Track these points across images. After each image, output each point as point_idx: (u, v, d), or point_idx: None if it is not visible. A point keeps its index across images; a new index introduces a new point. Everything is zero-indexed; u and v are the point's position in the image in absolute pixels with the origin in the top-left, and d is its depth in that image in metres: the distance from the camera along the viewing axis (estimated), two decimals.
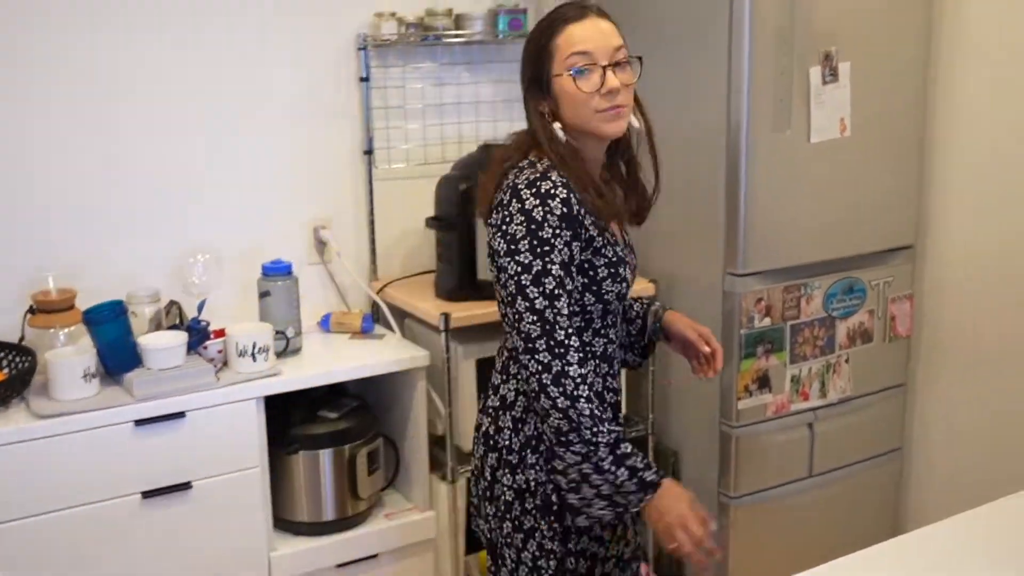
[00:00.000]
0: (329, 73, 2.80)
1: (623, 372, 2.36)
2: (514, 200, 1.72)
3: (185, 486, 2.29)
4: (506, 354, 1.89)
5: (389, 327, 2.78)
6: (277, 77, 2.73)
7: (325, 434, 2.52)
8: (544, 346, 1.68)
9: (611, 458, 1.68)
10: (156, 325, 2.44)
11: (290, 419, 2.51)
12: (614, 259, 1.79)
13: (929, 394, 2.99)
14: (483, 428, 1.91)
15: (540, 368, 1.69)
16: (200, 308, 2.44)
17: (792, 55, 2.47)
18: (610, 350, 1.88)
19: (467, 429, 2.61)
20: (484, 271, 2.63)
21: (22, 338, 2.39)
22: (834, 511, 2.86)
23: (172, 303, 2.51)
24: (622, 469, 1.68)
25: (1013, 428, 2.77)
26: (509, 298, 1.72)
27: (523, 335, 1.70)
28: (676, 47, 2.61)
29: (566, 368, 1.68)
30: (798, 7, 2.46)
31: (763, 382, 2.63)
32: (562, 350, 1.68)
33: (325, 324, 2.77)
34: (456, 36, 2.82)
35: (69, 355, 2.24)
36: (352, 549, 2.56)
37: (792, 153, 2.53)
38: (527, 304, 1.69)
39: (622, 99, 1.76)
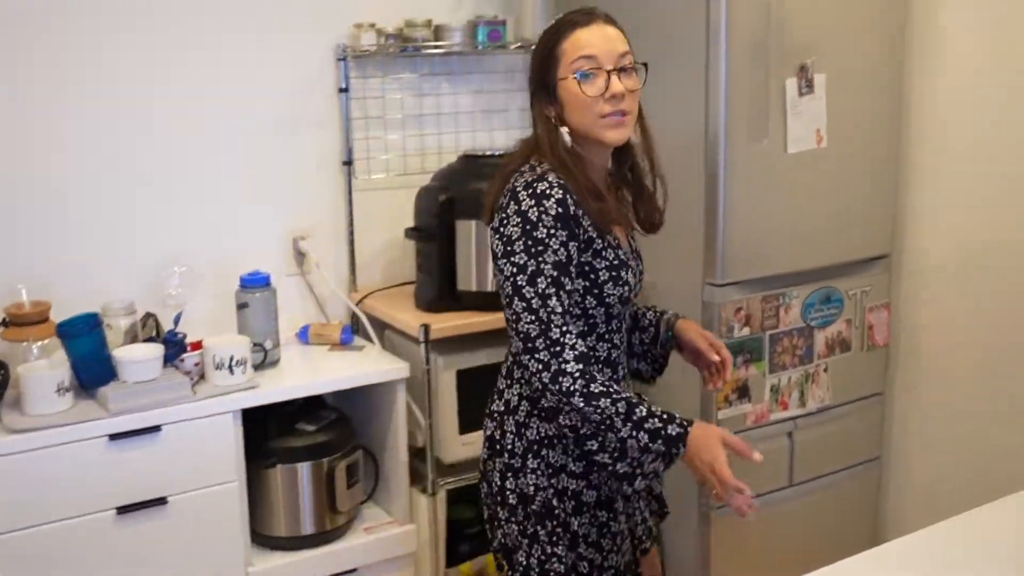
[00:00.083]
0: (308, 84, 2.79)
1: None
2: (512, 203, 1.75)
3: (161, 501, 2.27)
4: (511, 358, 1.90)
5: (369, 338, 2.76)
6: (256, 88, 2.72)
7: (303, 447, 2.50)
8: (542, 345, 1.70)
9: (629, 426, 1.69)
10: (132, 338, 2.42)
11: (268, 432, 2.49)
12: (615, 262, 1.81)
13: (907, 403, 3.00)
14: (488, 432, 1.93)
15: (540, 367, 1.71)
16: (176, 320, 2.42)
17: (768, 67, 2.48)
18: (614, 355, 1.89)
19: (448, 441, 2.60)
20: (464, 282, 2.63)
21: None
22: (814, 520, 2.87)
23: (148, 315, 2.49)
24: (642, 433, 1.69)
25: (990, 436, 2.79)
26: (507, 299, 1.75)
27: (522, 335, 1.72)
28: (654, 59, 2.60)
29: (563, 366, 1.69)
30: (774, 20, 2.47)
31: (743, 392, 2.63)
32: (558, 348, 1.70)
33: (304, 336, 2.75)
34: (435, 47, 2.81)
35: (42, 369, 2.22)
36: (331, 564, 2.54)
37: (769, 164, 2.54)
38: (524, 304, 1.71)
39: (626, 105, 1.78)
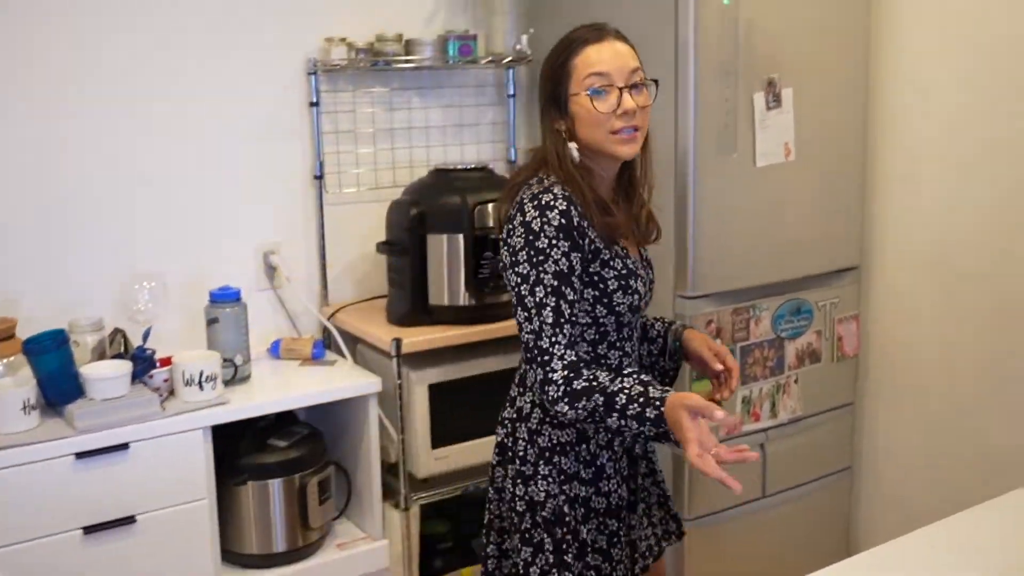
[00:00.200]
0: (279, 98, 2.78)
1: None
2: (518, 214, 1.78)
3: (129, 520, 2.24)
4: (523, 367, 1.92)
5: (341, 353, 2.75)
6: (226, 102, 2.71)
7: (275, 463, 2.48)
8: (534, 354, 1.74)
9: (615, 415, 1.68)
10: (99, 354, 2.39)
11: (239, 448, 2.47)
12: (624, 271, 1.83)
13: (877, 413, 3.03)
14: (499, 439, 1.95)
15: (533, 377, 1.76)
16: (145, 336, 2.40)
17: (736, 82, 2.50)
18: (625, 363, 1.91)
19: (420, 456, 2.59)
20: (436, 296, 2.63)
21: None
22: (787, 531, 2.88)
23: (116, 331, 2.47)
24: (630, 420, 1.67)
25: (960, 444, 2.81)
26: (513, 308, 1.79)
27: (523, 344, 1.77)
28: None
29: (549, 375, 1.72)
30: (741, 35, 2.49)
31: (715, 404, 2.64)
32: (546, 357, 1.73)
33: (275, 351, 2.74)
34: (406, 61, 2.81)
35: (8, 386, 2.19)
36: None
37: (739, 177, 2.56)
38: (525, 314, 1.76)
39: (638, 120, 1.81)
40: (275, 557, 2.50)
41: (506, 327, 2.65)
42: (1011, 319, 2.65)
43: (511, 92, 3.08)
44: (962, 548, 1.69)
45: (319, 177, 2.84)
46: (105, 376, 2.24)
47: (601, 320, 1.84)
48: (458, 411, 2.64)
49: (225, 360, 2.44)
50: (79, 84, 2.52)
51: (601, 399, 1.69)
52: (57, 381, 2.24)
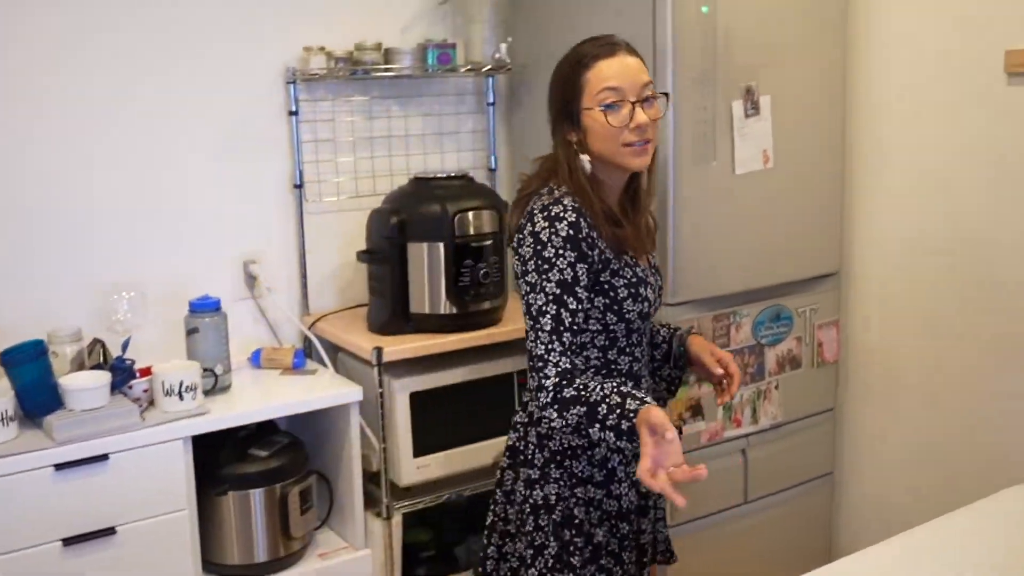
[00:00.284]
0: (258, 107, 2.78)
1: None
2: (528, 224, 1.82)
3: (109, 532, 2.22)
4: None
5: (322, 362, 2.75)
6: (204, 111, 2.70)
7: (256, 473, 2.47)
8: (533, 362, 1.77)
9: (596, 427, 1.69)
10: (78, 365, 2.38)
11: (220, 458, 2.46)
12: (633, 279, 1.86)
13: (857, 418, 3.04)
14: (510, 442, 1.97)
15: (532, 383, 1.78)
16: (124, 346, 2.38)
17: (715, 89, 2.51)
18: (636, 368, 1.94)
19: (402, 464, 2.59)
20: (417, 304, 2.62)
21: None
22: (769, 537, 2.89)
23: (96, 342, 2.45)
24: (608, 432, 1.68)
25: (940, 449, 2.83)
26: (524, 317, 1.83)
27: (527, 350, 1.81)
28: None
29: (543, 382, 1.76)
30: (719, 43, 2.51)
31: (696, 410, 2.65)
32: (540, 364, 1.76)
33: (256, 360, 2.73)
34: (385, 70, 2.81)
35: None
36: None
37: (718, 185, 2.57)
38: (530, 323, 1.80)
39: (649, 133, 1.84)
40: (257, 567, 2.48)
41: (488, 335, 2.65)
42: (989, 324, 2.68)
43: (490, 100, 3.09)
44: (943, 552, 1.70)
45: (299, 186, 2.84)
46: (84, 387, 2.23)
47: (612, 327, 1.87)
48: (440, 419, 2.63)
49: (205, 370, 2.43)
50: (57, 92, 2.51)
51: (584, 409, 1.70)
52: (36, 392, 2.22)
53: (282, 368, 2.69)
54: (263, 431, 2.55)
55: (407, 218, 2.60)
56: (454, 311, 2.62)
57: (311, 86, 2.82)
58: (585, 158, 1.84)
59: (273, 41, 2.76)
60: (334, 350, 2.77)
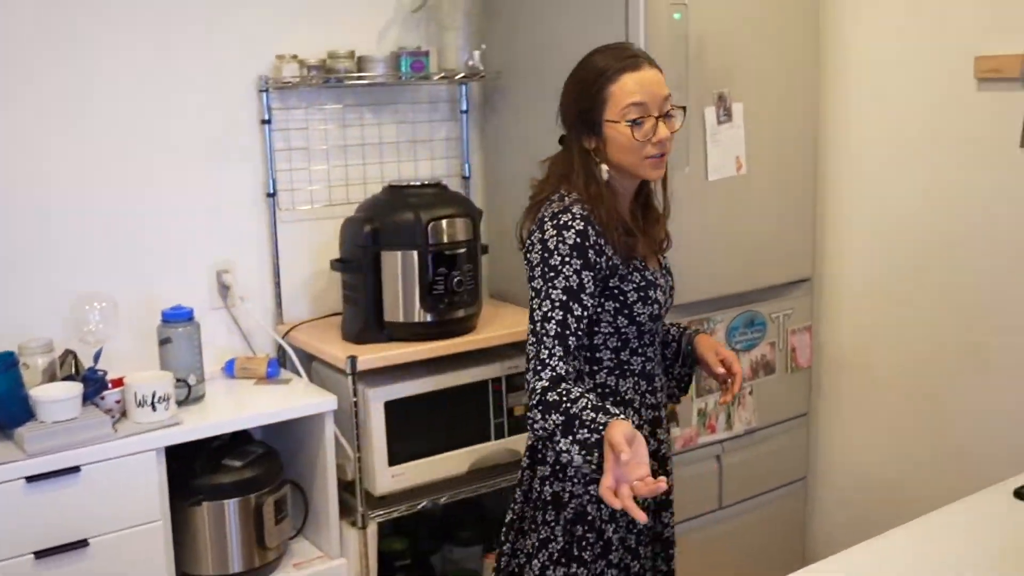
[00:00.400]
0: (230, 116, 2.76)
1: None
2: (537, 231, 1.86)
3: (82, 544, 2.20)
4: None
5: (296, 372, 2.73)
6: (176, 120, 2.69)
7: (230, 483, 2.45)
8: (532, 364, 1.79)
9: (568, 438, 1.69)
10: (50, 376, 2.36)
11: (193, 469, 2.44)
12: (642, 283, 1.89)
13: (831, 422, 3.06)
14: (529, 442, 1.99)
15: (526, 385, 1.80)
16: (96, 357, 2.37)
17: (687, 96, 2.52)
18: (648, 368, 1.96)
19: (377, 473, 2.58)
20: (391, 313, 2.62)
21: None
22: (744, 542, 2.90)
23: (67, 352, 2.43)
24: (572, 446, 1.69)
25: (913, 453, 2.85)
26: (529, 320, 1.84)
27: (527, 355, 1.82)
28: None
29: (536, 384, 1.77)
30: (691, 49, 2.52)
31: (670, 416, 2.66)
32: (539, 367, 1.78)
33: (229, 370, 2.71)
34: (359, 78, 2.81)
35: None
36: None
37: (691, 191, 2.58)
38: (532, 326, 1.82)
39: (667, 146, 1.87)
40: None
41: (462, 343, 2.65)
42: (961, 329, 2.70)
43: (464, 108, 3.09)
44: (917, 555, 1.71)
45: (272, 195, 2.83)
46: (55, 398, 2.21)
47: (623, 329, 1.90)
48: (415, 428, 2.63)
49: (178, 380, 2.41)
50: (25, 103, 2.49)
51: (563, 419, 1.71)
52: (6, 404, 2.20)
53: (256, 378, 2.68)
54: (237, 441, 2.53)
55: (381, 226, 2.59)
56: (428, 319, 2.61)
57: (284, 94, 2.81)
58: (605, 168, 1.87)
59: (245, 50, 2.75)
60: (308, 359, 2.76)
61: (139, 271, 2.67)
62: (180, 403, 2.41)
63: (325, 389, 2.60)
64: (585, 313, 1.82)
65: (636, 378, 1.94)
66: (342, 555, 2.61)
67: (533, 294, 1.83)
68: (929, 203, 2.73)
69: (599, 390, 1.92)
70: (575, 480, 1.91)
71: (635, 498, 1.56)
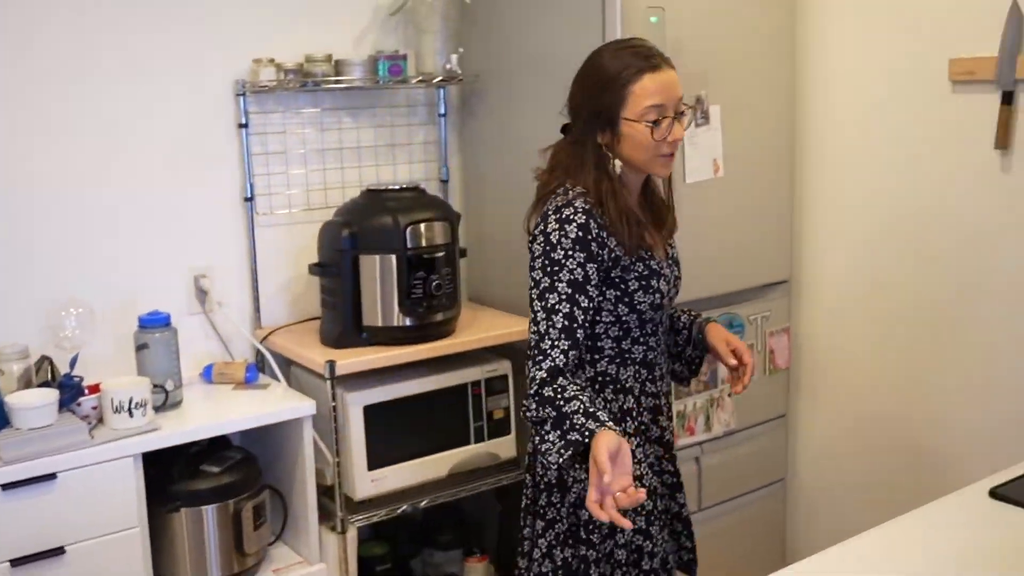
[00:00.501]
0: (207, 120, 2.75)
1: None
2: (541, 224, 1.89)
3: (58, 551, 2.18)
4: None
5: (274, 376, 2.72)
6: (153, 124, 2.67)
7: (208, 489, 2.44)
8: (533, 352, 1.82)
9: (556, 433, 1.74)
10: (25, 383, 2.34)
11: (171, 475, 2.43)
12: (645, 273, 1.92)
13: (809, 424, 3.08)
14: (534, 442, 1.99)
15: (527, 374, 1.83)
16: (72, 363, 2.35)
17: None
18: (650, 356, 1.99)
19: (357, 478, 2.57)
20: (370, 317, 2.61)
21: None
22: (724, 543, 2.90)
23: (43, 359, 2.42)
24: (556, 443, 1.73)
25: (891, 453, 2.87)
26: (531, 312, 1.87)
27: (528, 343, 1.85)
28: (552, 88, 2.65)
29: (536, 373, 1.80)
30: (668, 53, 2.52)
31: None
32: (540, 357, 1.80)
33: (207, 375, 2.70)
34: (336, 82, 2.80)
35: None
36: None
37: None
38: (532, 316, 1.85)
39: (677, 145, 1.91)
40: None
41: (441, 347, 2.65)
42: (937, 329, 2.72)
43: (442, 111, 3.09)
44: (895, 554, 1.73)
45: (250, 199, 2.82)
46: (31, 405, 2.19)
47: (624, 318, 1.92)
48: (394, 432, 2.62)
49: (155, 386, 2.40)
50: (5, 105, 2.47)
51: (555, 414, 1.74)
52: None
53: (234, 383, 2.67)
54: (215, 446, 2.52)
55: (359, 230, 2.59)
56: (407, 323, 2.61)
57: (261, 98, 2.81)
58: (619, 163, 1.90)
59: (222, 53, 2.74)
60: (287, 364, 2.75)
61: (116, 276, 2.65)
62: (157, 409, 2.40)
63: (304, 394, 2.59)
64: (591, 304, 1.86)
65: (637, 366, 1.97)
66: (322, 560, 2.60)
67: (533, 284, 1.86)
68: (905, 204, 2.75)
69: (600, 378, 1.95)
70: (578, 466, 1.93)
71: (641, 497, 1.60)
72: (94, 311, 2.50)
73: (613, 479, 1.58)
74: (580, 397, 1.75)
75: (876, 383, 2.88)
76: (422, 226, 2.59)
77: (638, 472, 1.95)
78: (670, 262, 2.05)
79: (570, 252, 1.84)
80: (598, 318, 1.91)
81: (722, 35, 2.66)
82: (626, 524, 1.58)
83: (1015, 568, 1.66)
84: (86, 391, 2.32)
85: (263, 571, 2.57)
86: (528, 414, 1.80)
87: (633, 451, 1.93)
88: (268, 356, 2.74)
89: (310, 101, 2.90)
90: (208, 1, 2.71)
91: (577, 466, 1.83)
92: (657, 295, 1.94)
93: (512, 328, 2.77)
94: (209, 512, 2.44)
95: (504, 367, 2.78)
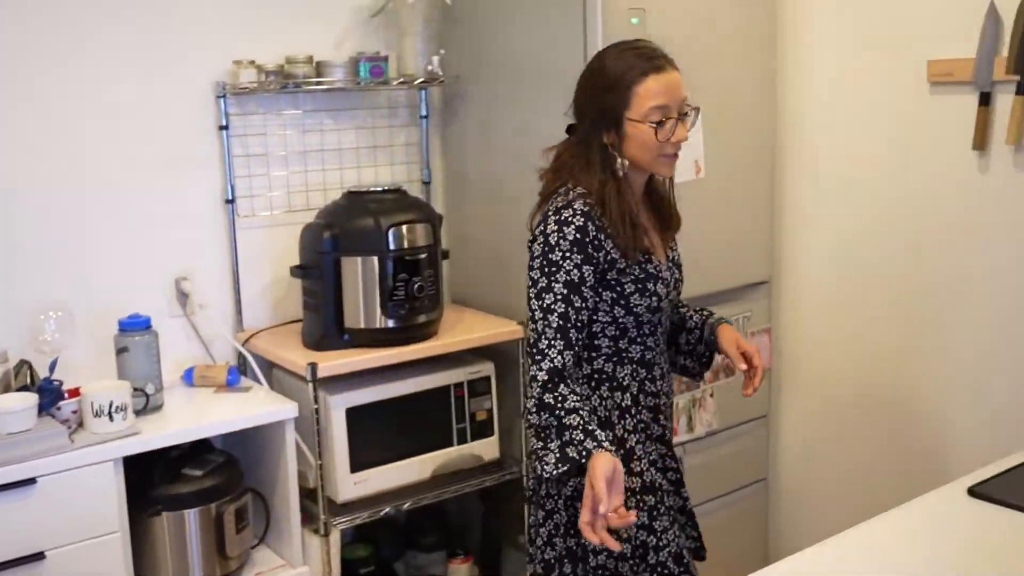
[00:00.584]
0: (187, 122, 2.74)
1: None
2: (541, 225, 1.91)
3: (38, 557, 2.17)
4: None
5: (256, 379, 2.71)
6: (132, 126, 2.66)
7: (190, 493, 2.43)
8: (533, 351, 1.84)
9: (555, 442, 1.78)
10: (4, 387, 2.32)
11: (152, 479, 2.42)
12: (642, 276, 1.93)
13: (790, 423, 3.09)
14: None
15: (529, 374, 1.85)
16: (52, 367, 2.34)
17: None
18: (648, 356, 1.99)
19: (339, 480, 2.57)
20: (352, 319, 2.61)
21: None
22: (707, 543, 2.90)
23: (22, 363, 2.40)
24: (551, 454, 1.77)
25: (871, 452, 2.89)
26: (529, 312, 1.89)
27: (528, 341, 1.88)
28: (534, 89, 2.66)
29: (536, 374, 1.83)
30: None
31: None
32: (539, 357, 1.83)
33: (189, 378, 2.68)
34: (317, 83, 2.80)
35: None
36: None
37: None
38: (530, 315, 1.88)
39: (681, 145, 1.92)
40: None
41: (424, 349, 2.65)
42: (917, 329, 2.74)
43: (423, 113, 3.09)
44: (877, 552, 1.74)
45: (231, 201, 2.81)
46: (10, 409, 2.17)
47: (620, 319, 1.93)
48: (377, 434, 2.62)
49: (136, 389, 2.38)
50: None
51: (555, 423, 1.77)
52: None
53: (216, 386, 2.66)
54: (197, 450, 2.51)
55: (341, 232, 2.58)
56: (389, 325, 2.61)
57: (242, 100, 2.80)
58: (624, 163, 1.91)
59: (202, 55, 2.73)
60: (269, 366, 2.74)
61: (96, 279, 2.64)
62: (138, 413, 2.38)
63: (286, 396, 2.59)
64: (585, 305, 1.87)
65: (634, 366, 1.98)
66: (304, 563, 2.59)
67: (531, 284, 1.88)
68: (884, 205, 2.77)
69: (596, 375, 1.95)
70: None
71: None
72: (74, 314, 2.48)
73: (608, 506, 1.63)
74: (580, 411, 1.78)
75: (857, 383, 2.90)
76: (404, 228, 2.58)
77: (638, 469, 1.96)
78: (671, 264, 2.05)
79: (567, 254, 1.86)
80: (595, 318, 1.93)
81: (703, 37, 2.67)
82: (615, 546, 1.64)
83: (993, 565, 1.68)
84: (66, 395, 2.31)
85: (246, 574, 2.56)
86: (529, 417, 1.82)
87: (634, 448, 1.97)
88: (250, 359, 2.73)
89: (291, 103, 2.89)
90: (188, 2, 2.70)
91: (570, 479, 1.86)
92: (654, 298, 1.95)
93: (495, 330, 2.77)
94: (191, 516, 2.43)
95: (487, 369, 2.78)
